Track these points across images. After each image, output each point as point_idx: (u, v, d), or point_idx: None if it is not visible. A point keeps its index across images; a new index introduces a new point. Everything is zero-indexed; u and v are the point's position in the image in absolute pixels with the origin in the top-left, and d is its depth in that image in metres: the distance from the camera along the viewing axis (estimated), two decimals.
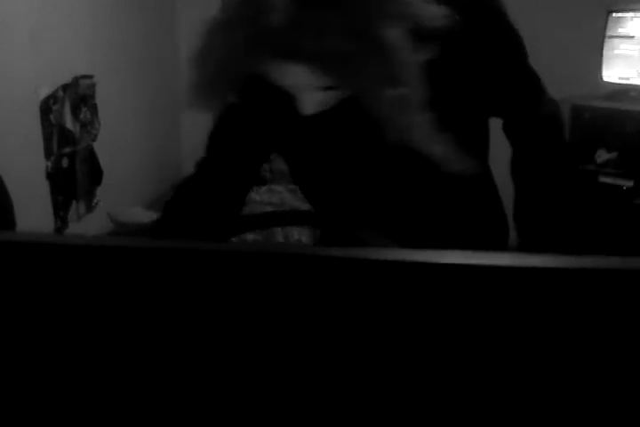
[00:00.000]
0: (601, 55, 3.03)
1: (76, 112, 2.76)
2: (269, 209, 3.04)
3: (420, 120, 0.95)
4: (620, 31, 2.98)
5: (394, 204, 1.20)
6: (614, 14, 2.99)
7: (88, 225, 2.82)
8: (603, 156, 3.12)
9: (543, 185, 1.18)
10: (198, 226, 1.22)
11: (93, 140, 2.92)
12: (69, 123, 2.72)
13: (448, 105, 1.06)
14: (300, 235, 2.84)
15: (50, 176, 2.59)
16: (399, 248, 1.13)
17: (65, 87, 2.66)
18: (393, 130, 0.96)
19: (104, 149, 2.98)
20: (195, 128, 4.07)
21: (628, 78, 3.00)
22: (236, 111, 1.20)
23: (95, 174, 2.95)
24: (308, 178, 1.28)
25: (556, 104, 1.21)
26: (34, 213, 2.42)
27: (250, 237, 2.72)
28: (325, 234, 1.42)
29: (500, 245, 1.24)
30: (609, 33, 3.00)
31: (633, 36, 2.95)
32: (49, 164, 2.59)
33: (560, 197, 1.18)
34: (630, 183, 2.97)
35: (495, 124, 1.20)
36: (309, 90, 0.96)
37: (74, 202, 2.79)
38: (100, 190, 2.99)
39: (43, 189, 2.57)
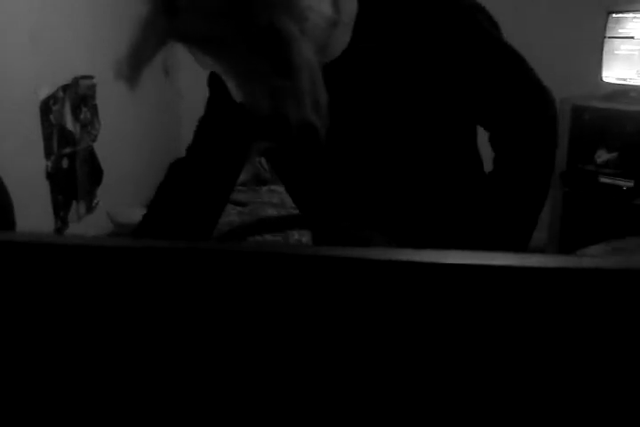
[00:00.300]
0: (601, 56, 3.04)
1: (76, 112, 2.76)
2: (269, 209, 3.04)
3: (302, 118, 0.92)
4: (620, 32, 2.99)
5: (376, 199, 1.20)
6: (614, 15, 2.99)
7: (88, 225, 2.82)
8: (603, 156, 3.13)
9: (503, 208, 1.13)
10: (184, 217, 1.23)
11: (93, 140, 2.92)
12: (69, 123, 2.72)
13: (423, 103, 1.07)
14: (299, 235, 2.85)
15: (50, 176, 2.60)
16: (396, 245, 1.13)
17: (65, 87, 2.67)
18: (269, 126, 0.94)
19: (104, 149, 2.98)
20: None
21: (627, 79, 3.01)
22: (218, 100, 1.21)
23: (95, 175, 2.96)
24: (287, 174, 1.29)
25: (551, 117, 1.14)
26: (34, 213, 2.43)
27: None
28: (317, 235, 1.42)
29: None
30: (609, 33, 3.01)
31: (633, 37, 2.96)
32: (49, 164, 2.59)
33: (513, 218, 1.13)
34: (630, 183, 2.98)
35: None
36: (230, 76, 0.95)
37: (74, 202, 2.79)
38: (99, 191, 2.99)
39: (43, 189, 2.58)
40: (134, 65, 0.89)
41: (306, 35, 0.88)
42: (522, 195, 1.12)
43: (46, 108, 2.54)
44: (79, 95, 2.78)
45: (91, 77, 2.85)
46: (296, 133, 0.91)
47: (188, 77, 1.24)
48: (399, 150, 1.13)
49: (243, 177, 3.41)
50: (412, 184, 1.17)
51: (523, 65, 1.11)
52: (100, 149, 2.97)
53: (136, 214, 3.07)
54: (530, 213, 1.13)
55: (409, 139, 1.12)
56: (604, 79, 3.06)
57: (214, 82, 1.19)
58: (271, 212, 3.01)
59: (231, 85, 0.96)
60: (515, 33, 1.13)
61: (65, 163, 2.71)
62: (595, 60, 3.05)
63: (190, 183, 1.24)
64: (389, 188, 1.18)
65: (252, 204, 3.11)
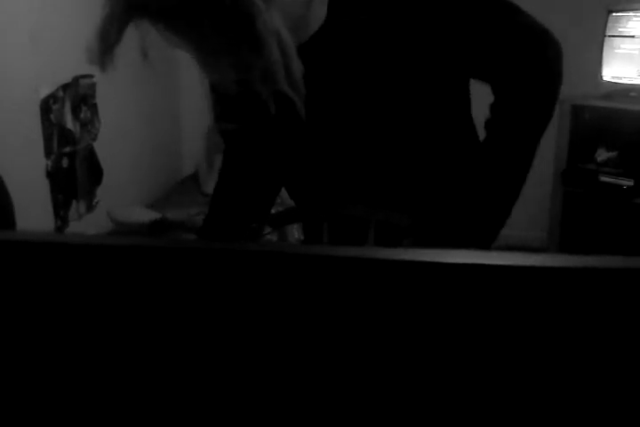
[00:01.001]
0: (601, 55, 3.03)
1: (76, 111, 2.76)
2: None
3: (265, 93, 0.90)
4: (621, 30, 2.98)
5: (369, 172, 1.19)
6: (614, 14, 2.99)
7: (88, 224, 2.82)
8: (603, 155, 3.13)
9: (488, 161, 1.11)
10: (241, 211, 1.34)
11: (93, 139, 2.92)
12: (69, 122, 2.72)
13: (416, 68, 1.06)
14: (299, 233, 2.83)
15: (50, 175, 2.59)
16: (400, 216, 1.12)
17: (65, 87, 2.66)
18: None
19: (104, 148, 2.98)
20: (195, 128, 4.07)
21: (627, 78, 3.00)
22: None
23: (95, 174, 2.95)
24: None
25: (547, 58, 1.09)
26: (34, 212, 2.42)
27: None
28: (307, 229, 1.42)
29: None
30: (609, 32, 3.00)
31: (633, 36, 2.96)
32: (49, 163, 2.59)
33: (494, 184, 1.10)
34: (630, 182, 2.97)
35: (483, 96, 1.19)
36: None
37: (74, 201, 2.79)
38: (100, 190, 2.99)
39: (43, 188, 2.58)
40: (104, 48, 0.87)
41: (277, 8, 0.86)
42: (515, 143, 1.10)
43: (46, 107, 2.54)
44: (79, 94, 2.78)
45: (91, 76, 2.85)
46: (274, 109, 0.90)
47: (187, 77, 1.24)
48: (390, 123, 1.12)
49: None
50: (405, 157, 1.16)
51: (511, 11, 1.08)
52: (100, 148, 2.96)
53: (136, 213, 3.07)
54: (520, 167, 1.11)
55: (399, 110, 1.11)
56: (604, 78, 3.05)
57: None
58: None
59: (198, 64, 0.93)
60: None
61: (65, 162, 2.71)
62: (595, 59, 3.05)
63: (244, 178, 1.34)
64: (383, 160, 1.17)
65: None
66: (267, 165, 1.34)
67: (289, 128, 1.14)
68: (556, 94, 1.11)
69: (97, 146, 2.94)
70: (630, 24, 2.96)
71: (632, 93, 2.97)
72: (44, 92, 2.53)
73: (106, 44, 0.87)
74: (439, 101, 1.14)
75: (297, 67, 0.89)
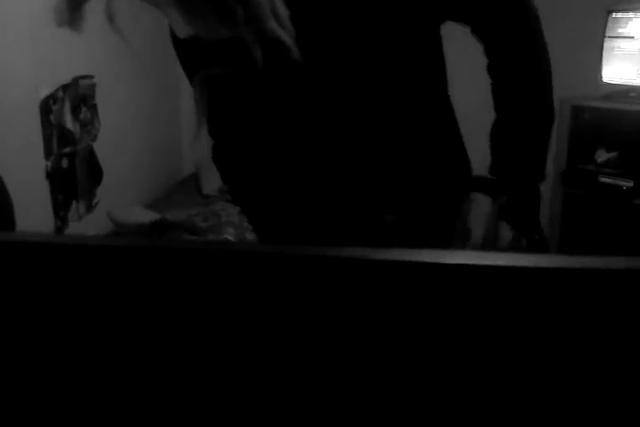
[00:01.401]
0: (601, 55, 3.03)
1: (75, 112, 2.76)
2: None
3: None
4: (620, 31, 2.99)
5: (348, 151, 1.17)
6: (614, 14, 2.99)
7: (88, 225, 2.82)
8: (602, 156, 3.13)
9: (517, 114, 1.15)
10: None
11: (93, 140, 2.92)
12: (69, 123, 2.72)
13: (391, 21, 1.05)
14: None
15: (50, 176, 2.60)
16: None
17: (65, 87, 2.66)
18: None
19: (104, 149, 2.98)
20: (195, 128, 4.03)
21: (627, 78, 3.01)
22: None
23: (95, 174, 2.96)
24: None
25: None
26: (34, 213, 2.43)
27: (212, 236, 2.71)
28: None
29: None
30: (609, 33, 3.00)
31: (633, 36, 2.96)
32: (49, 164, 2.59)
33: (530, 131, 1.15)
34: (630, 183, 2.98)
35: (477, 79, 1.20)
36: (167, 6, 0.91)
37: (74, 202, 2.79)
38: (99, 190, 2.99)
39: (43, 189, 2.58)
40: (73, 4, 0.85)
41: None
42: (521, 73, 1.14)
43: (46, 107, 2.54)
44: (79, 95, 2.78)
45: (90, 77, 2.85)
46: (260, 56, 0.89)
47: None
48: (368, 92, 1.11)
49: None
50: (381, 129, 1.14)
51: None
52: (100, 148, 2.97)
53: (136, 214, 3.06)
54: (536, 91, 1.15)
55: (378, 77, 1.09)
56: (604, 79, 3.06)
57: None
58: None
59: (176, 18, 0.91)
60: None
61: (65, 162, 2.71)
62: (595, 59, 3.05)
63: None
64: (362, 133, 1.15)
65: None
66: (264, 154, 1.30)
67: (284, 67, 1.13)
68: (539, 26, 1.17)
69: (97, 146, 2.95)
70: (630, 25, 2.96)
71: (632, 94, 2.97)
72: (44, 92, 2.53)
73: (76, 3, 0.85)
74: (415, 73, 1.13)
75: (282, 9, 0.89)
